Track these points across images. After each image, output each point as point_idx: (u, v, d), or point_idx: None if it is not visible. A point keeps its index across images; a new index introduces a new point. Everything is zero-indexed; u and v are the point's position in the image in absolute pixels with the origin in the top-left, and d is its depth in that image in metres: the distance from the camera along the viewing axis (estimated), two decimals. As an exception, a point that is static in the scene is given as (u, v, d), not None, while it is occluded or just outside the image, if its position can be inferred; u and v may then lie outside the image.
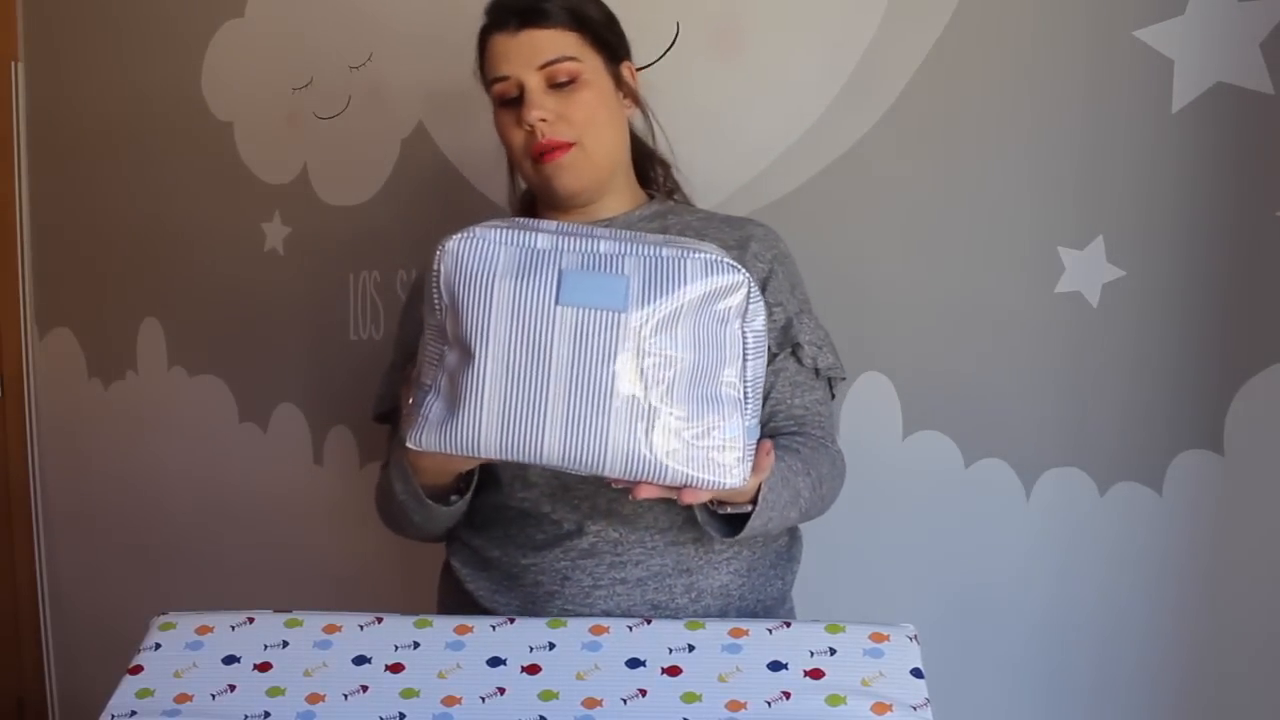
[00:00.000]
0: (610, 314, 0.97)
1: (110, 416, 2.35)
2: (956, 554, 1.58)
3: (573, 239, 1.01)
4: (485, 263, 0.99)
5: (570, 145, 1.21)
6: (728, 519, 1.15)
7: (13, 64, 2.38)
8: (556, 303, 0.96)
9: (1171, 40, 1.39)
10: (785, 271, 1.29)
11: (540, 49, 1.21)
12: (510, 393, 0.97)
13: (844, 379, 1.33)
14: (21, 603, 2.50)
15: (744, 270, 1.01)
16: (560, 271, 0.97)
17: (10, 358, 2.45)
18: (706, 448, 1.00)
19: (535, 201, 1.33)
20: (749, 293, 1.01)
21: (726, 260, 1.01)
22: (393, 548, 2.01)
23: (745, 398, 1.03)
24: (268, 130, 2.06)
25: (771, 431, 1.24)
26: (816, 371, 1.28)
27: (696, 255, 1.00)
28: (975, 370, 1.54)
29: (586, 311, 0.97)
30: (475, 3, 1.82)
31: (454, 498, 1.21)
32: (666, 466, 0.99)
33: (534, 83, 1.21)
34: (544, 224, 1.04)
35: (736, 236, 1.28)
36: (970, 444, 1.56)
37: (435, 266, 1.01)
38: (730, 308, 1.01)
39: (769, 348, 1.22)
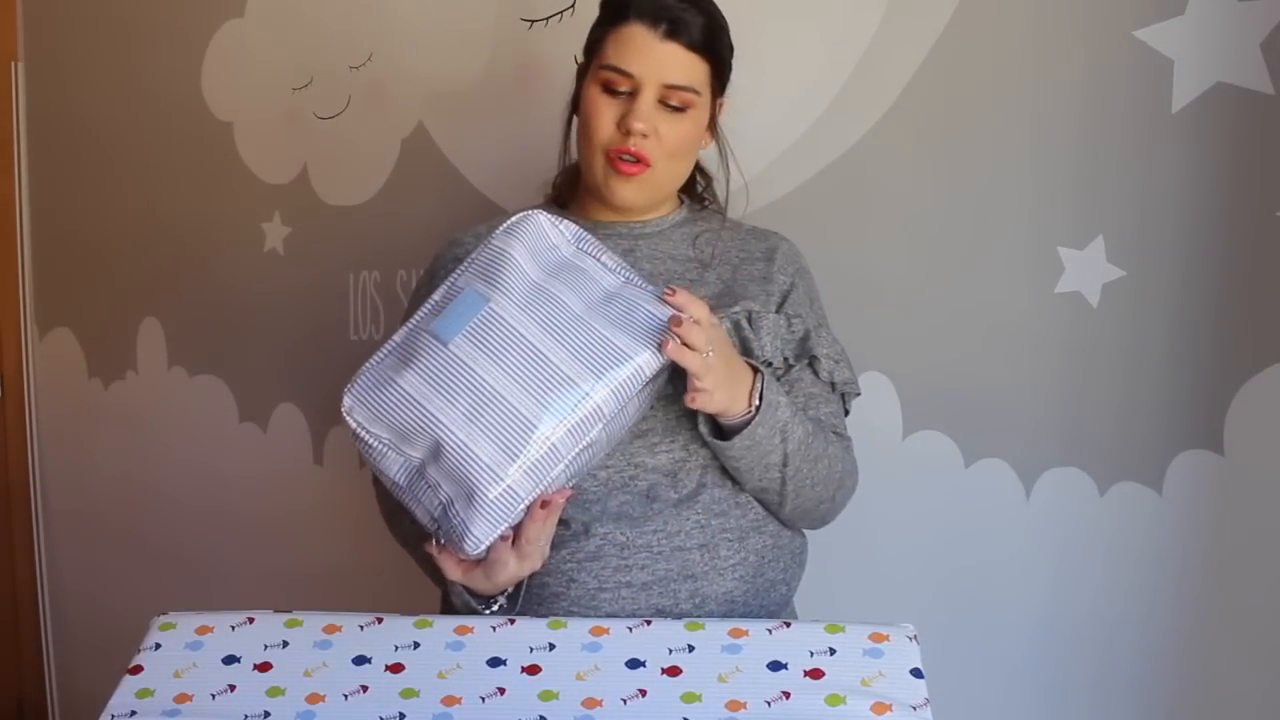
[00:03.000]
0: (482, 309, 1.09)
1: (110, 416, 2.35)
2: (956, 554, 1.58)
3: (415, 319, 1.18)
4: (381, 381, 1.15)
5: (648, 165, 1.22)
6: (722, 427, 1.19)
7: (13, 64, 2.38)
8: (445, 344, 1.09)
9: (1171, 40, 1.39)
10: (805, 286, 1.31)
11: (675, 68, 1.21)
12: (488, 430, 1.07)
13: (859, 395, 1.34)
14: (21, 603, 2.50)
15: (529, 210, 1.18)
16: (431, 333, 1.11)
17: (10, 358, 2.45)
18: (631, 328, 1.10)
19: (578, 180, 1.33)
20: (547, 217, 1.16)
21: (514, 212, 1.18)
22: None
23: (625, 278, 1.14)
24: (268, 130, 2.07)
25: None
26: (833, 386, 1.29)
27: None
28: (975, 370, 1.55)
29: (468, 327, 1.09)
30: (476, 3, 1.83)
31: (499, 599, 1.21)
32: (636, 359, 1.09)
33: (651, 94, 1.21)
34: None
35: (762, 248, 1.31)
36: (970, 444, 1.56)
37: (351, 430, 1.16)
38: (547, 237, 1.15)
39: (786, 358, 1.24)
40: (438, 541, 1.12)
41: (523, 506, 1.08)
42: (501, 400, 1.06)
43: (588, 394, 1.07)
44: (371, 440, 1.12)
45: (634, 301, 1.11)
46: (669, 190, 1.29)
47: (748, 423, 1.15)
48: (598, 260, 1.15)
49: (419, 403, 1.08)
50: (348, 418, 1.14)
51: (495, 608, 1.17)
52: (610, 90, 1.22)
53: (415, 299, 1.36)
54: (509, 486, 1.06)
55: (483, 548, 1.08)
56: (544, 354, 1.07)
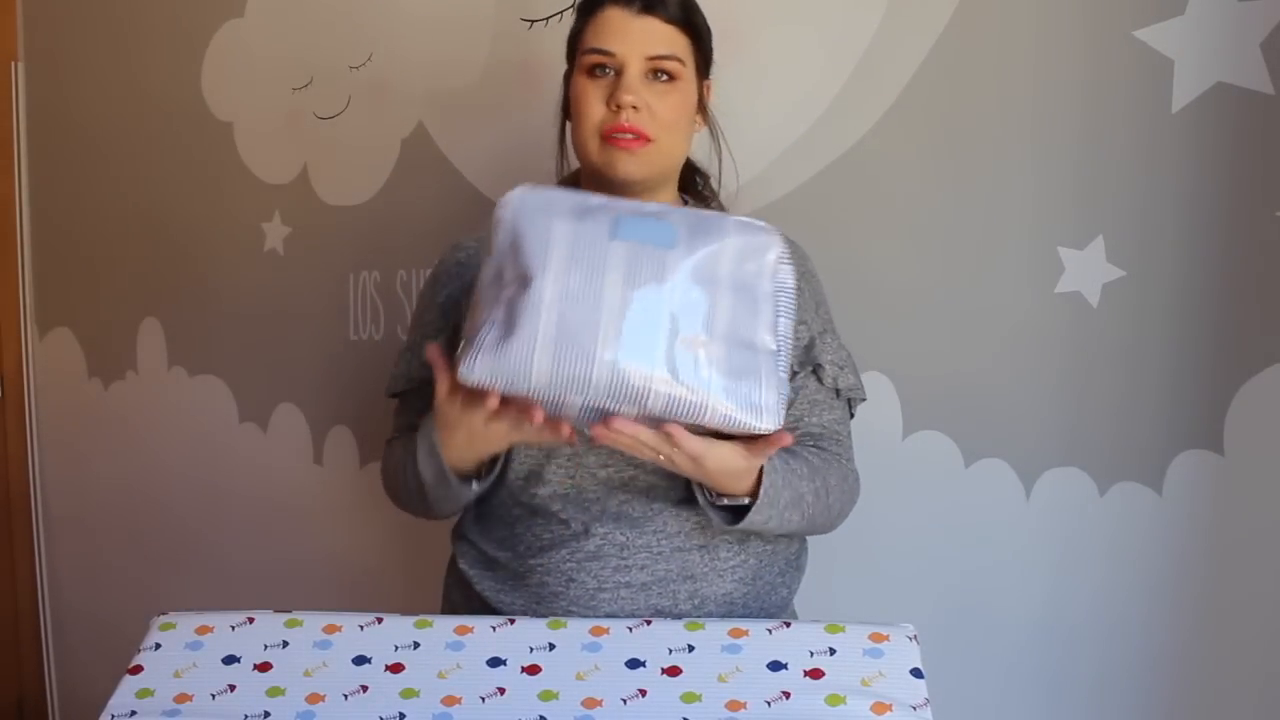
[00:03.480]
0: (659, 249, 1.03)
1: (110, 416, 2.35)
2: (956, 554, 1.58)
3: (622, 201, 1.10)
4: (547, 205, 1.06)
5: (649, 139, 1.22)
6: (731, 508, 1.16)
7: (13, 64, 2.38)
8: (611, 238, 1.04)
9: (1171, 40, 1.39)
10: (811, 290, 1.31)
11: (655, 39, 1.22)
12: (565, 317, 1.02)
13: (864, 400, 1.34)
14: (21, 603, 2.50)
15: (777, 230, 1.09)
16: (615, 215, 1.05)
17: (10, 358, 2.45)
18: (744, 390, 1.04)
19: (579, 184, 1.33)
20: (780, 253, 1.08)
21: (760, 223, 1.08)
22: (393, 547, 2.01)
23: (779, 350, 1.08)
24: (268, 130, 2.07)
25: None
26: (837, 392, 1.29)
27: (733, 218, 1.09)
28: (975, 370, 1.54)
29: (638, 246, 1.03)
30: (476, 3, 1.83)
31: (475, 484, 1.21)
32: (707, 405, 1.03)
33: (636, 69, 1.22)
34: (593, 194, 1.12)
35: None
36: (970, 444, 1.56)
37: (497, 214, 1.08)
38: (763, 265, 1.07)
39: (790, 365, 1.24)
40: (445, 358, 1.11)
41: (529, 387, 1.03)
42: (600, 312, 1.01)
43: (657, 379, 1.02)
44: (500, 229, 1.08)
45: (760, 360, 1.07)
46: (669, 166, 1.28)
47: (746, 506, 1.15)
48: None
49: (547, 245, 1.03)
50: (503, 210, 1.08)
51: (455, 482, 1.18)
52: (596, 74, 1.23)
53: (421, 305, 1.35)
54: (537, 362, 1.01)
55: (474, 378, 1.03)
56: (660, 323, 1.02)
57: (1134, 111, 1.42)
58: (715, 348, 1.03)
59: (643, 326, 1.01)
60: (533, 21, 1.77)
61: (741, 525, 1.14)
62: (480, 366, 1.03)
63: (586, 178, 1.30)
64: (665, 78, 1.22)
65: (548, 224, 1.04)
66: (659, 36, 1.22)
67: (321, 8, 1.98)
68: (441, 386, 1.11)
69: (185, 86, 2.14)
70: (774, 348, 1.07)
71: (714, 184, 1.40)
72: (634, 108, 1.21)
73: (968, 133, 1.52)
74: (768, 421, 1.04)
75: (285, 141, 2.04)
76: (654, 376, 1.01)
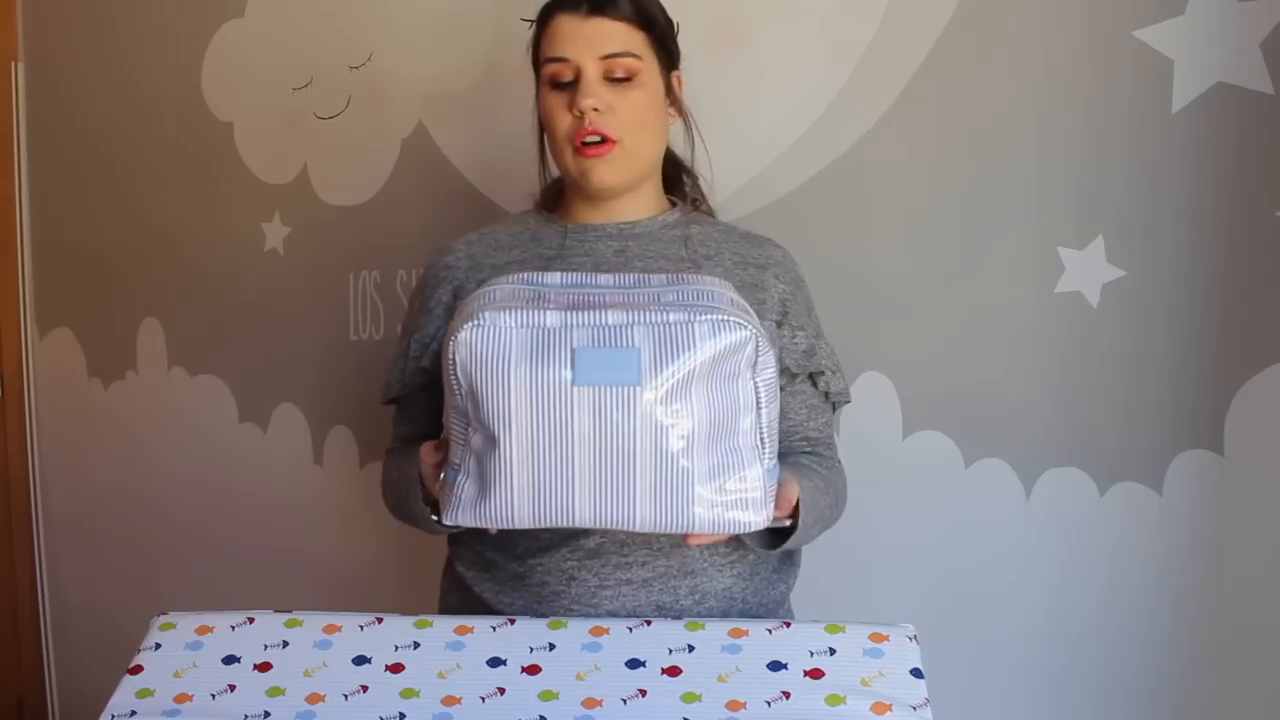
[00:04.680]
0: (625, 388, 1.00)
1: (110, 416, 2.35)
2: (956, 554, 1.58)
3: (581, 312, 1.02)
4: (499, 351, 1.01)
5: (614, 142, 1.22)
6: (766, 532, 1.19)
7: (13, 64, 2.38)
8: (573, 384, 1.00)
9: (1171, 40, 1.39)
10: (802, 296, 1.32)
11: (606, 39, 1.22)
12: (538, 471, 1.01)
13: (849, 403, 1.36)
14: (21, 603, 2.50)
15: (750, 322, 1.03)
16: (573, 351, 1.00)
17: (10, 358, 2.45)
18: (730, 495, 1.03)
19: (563, 190, 1.33)
20: (757, 345, 1.03)
21: (733, 318, 1.02)
22: (393, 547, 2.01)
23: (762, 443, 1.06)
24: (268, 130, 2.06)
25: (786, 450, 1.27)
26: (826, 395, 1.31)
27: (704, 317, 1.02)
28: (975, 370, 1.54)
29: (603, 389, 1.00)
30: (475, 3, 1.83)
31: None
32: (694, 517, 1.03)
33: (593, 71, 1.21)
34: (549, 280, 1.09)
35: (756, 255, 1.30)
36: (970, 444, 1.56)
37: (449, 355, 1.03)
38: (740, 362, 1.03)
39: (789, 368, 1.25)
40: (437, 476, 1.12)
41: (512, 527, 1.05)
42: (574, 467, 1.01)
43: (639, 512, 1.02)
44: (456, 371, 1.04)
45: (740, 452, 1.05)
46: (644, 166, 1.28)
47: (785, 531, 1.18)
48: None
49: (507, 402, 1.00)
50: (455, 352, 1.03)
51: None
52: (558, 85, 1.23)
53: (411, 310, 1.36)
54: (517, 515, 1.03)
55: (457, 523, 1.06)
56: (635, 464, 1.01)
57: (1134, 111, 1.42)
58: (696, 463, 1.01)
59: (619, 471, 1.01)
60: (532, 22, 1.76)
61: (781, 549, 1.20)
62: (463, 517, 1.05)
63: (567, 185, 1.31)
64: (624, 76, 1.22)
65: (504, 375, 1.00)
66: (610, 36, 1.22)
67: (321, 8, 1.98)
68: (425, 468, 1.16)
69: (185, 87, 2.14)
70: (758, 441, 1.06)
71: (703, 185, 1.40)
72: (595, 109, 1.21)
73: (968, 133, 1.52)
74: (756, 522, 1.05)
75: (285, 141, 2.04)
76: (636, 512, 1.02)
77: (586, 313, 1.02)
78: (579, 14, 1.22)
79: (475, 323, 1.02)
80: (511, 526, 1.05)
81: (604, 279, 1.09)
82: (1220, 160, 1.38)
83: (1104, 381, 1.47)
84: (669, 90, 1.29)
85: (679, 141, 1.37)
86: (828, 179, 1.61)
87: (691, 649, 1.08)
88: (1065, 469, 1.51)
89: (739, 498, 1.04)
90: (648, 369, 1.00)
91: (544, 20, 1.26)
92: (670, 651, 1.08)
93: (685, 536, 1.08)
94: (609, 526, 1.03)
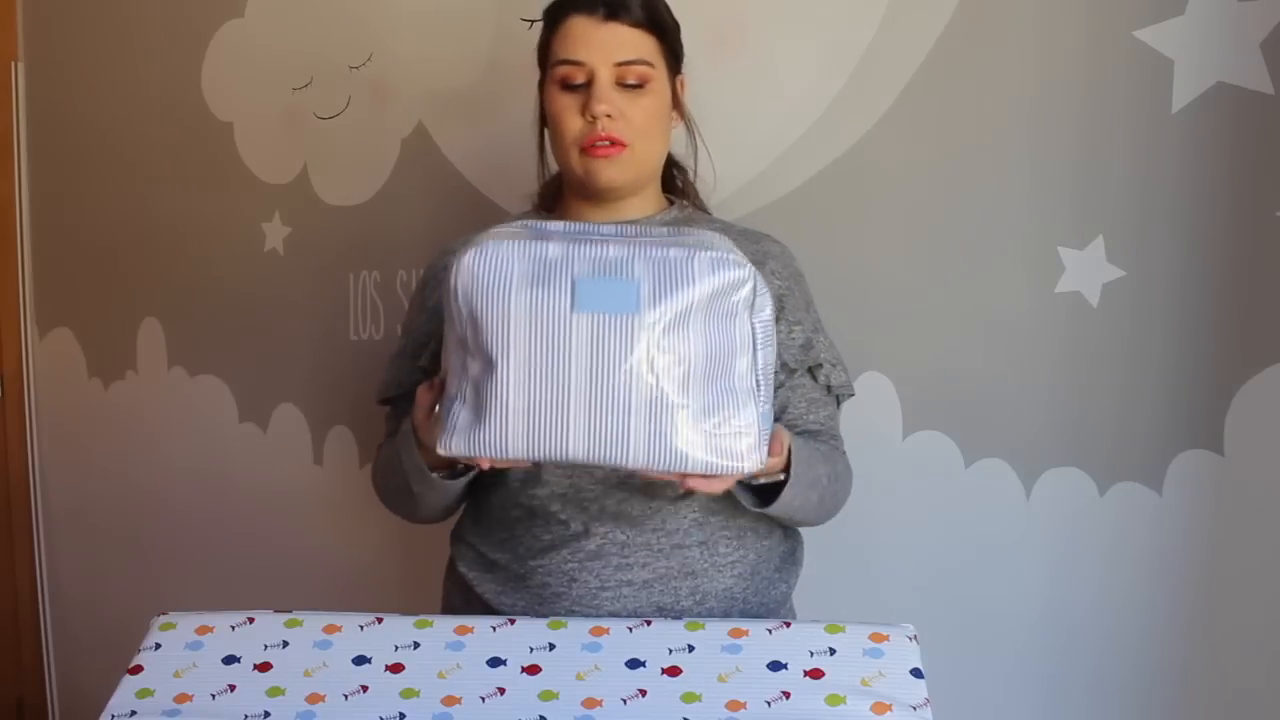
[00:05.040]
0: (624, 317, 1.00)
1: (110, 416, 2.35)
2: (956, 553, 1.58)
3: (582, 245, 1.03)
4: (500, 276, 1.02)
5: (625, 146, 1.23)
6: (757, 491, 1.19)
7: (13, 64, 2.38)
8: (572, 310, 1.00)
9: (1171, 40, 1.39)
10: (800, 290, 1.31)
11: (622, 45, 1.22)
12: (534, 398, 1.01)
13: (852, 395, 1.35)
14: (21, 603, 2.50)
15: (748, 264, 1.04)
16: (573, 280, 1.01)
17: (10, 358, 2.45)
18: (724, 435, 1.03)
19: (562, 189, 1.33)
20: (755, 285, 1.04)
21: (732, 256, 1.03)
22: (393, 547, 2.01)
23: (758, 386, 1.06)
24: (268, 130, 2.06)
25: None
26: (829, 388, 1.31)
27: (703, 253, 1.03)
28: (975, 370, 1.54)
29: (601, 316, 1.00)
30: (476, 3, 1.83)
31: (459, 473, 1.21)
32: (687, 456, 1.02)
33: (606, 76, 1.22)
34: (552, 227, 1.07)
35: (753, 251, 1.29)
36: (970, 444, 1.56)
37: (451, 282, 1.03)
38: (738, 301, 1.03)
39: (787, 363, 1.25)
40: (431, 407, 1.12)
41: (506, 458, 1.04)
42: (569, 394, 1.00)
43: (633, 448, 1.02)
44: (456, 299, 1.04)
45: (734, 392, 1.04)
46: (649, 169, 1.28)
47: (777, 485, 1.17)
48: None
49: (507, 325, 1.00)
50: (457, 277, 1.03)
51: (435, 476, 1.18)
52: (569, 86, 1.23)
53: (410, 311, 1.35)
54: (511, 444, 1.02)
55: (451, 453, 1.05)
56: (632, 395, 1.00)
57: (1134, 111, 1.42)
58: (691, 400, 1.01)
59: (614, 403, 1.00)
60: (533, 21, 1.76)
61: (774, 506, 1.17)
62: (456, 445, 1.04)
63: (568, 184, 1.31)
64: (636, 82, 1.23)
65: (504, 299, 1.01)
66: (625, 42, 1.22)
67: (321, 8, 1.98)
68: (419, 412, 1.15)
69: (185, 86, 2.14)
70: (753, 383, 1.05)
71: (690, 178, 1.40)
72: (608, 116, 1.21)
73: (968, 133, 1.52)
74: (749, 464, 1.04)
75: (285, 141, 2.04)
76: (629, 447, 1.01)
77: (587, 245, 1.03)
78: (595, 18, 1.22)
79: (477, 250, 1.02)
80: (505, 457, 1.03)
81: (606, 228, 1.08)
82: (1220, 160, 1.38)
83: (1104, 381, 1.47)
84: (674, 95, 1.30)
85: (679, 143, 1.37)
86: (828, 179, 1.61)
87: (691, 649, 1.08)
88: (1065, 469, 1.51)
89: (732, 439, 1.03)
90: (646, 300, 1.00)
91: (556, 19, 1.26)
92: (670, 651, 1.08)
93: (681, 481, 1.06)
94: (601, 462, 1.02)
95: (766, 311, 1.06)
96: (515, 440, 1.02)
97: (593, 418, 1.01)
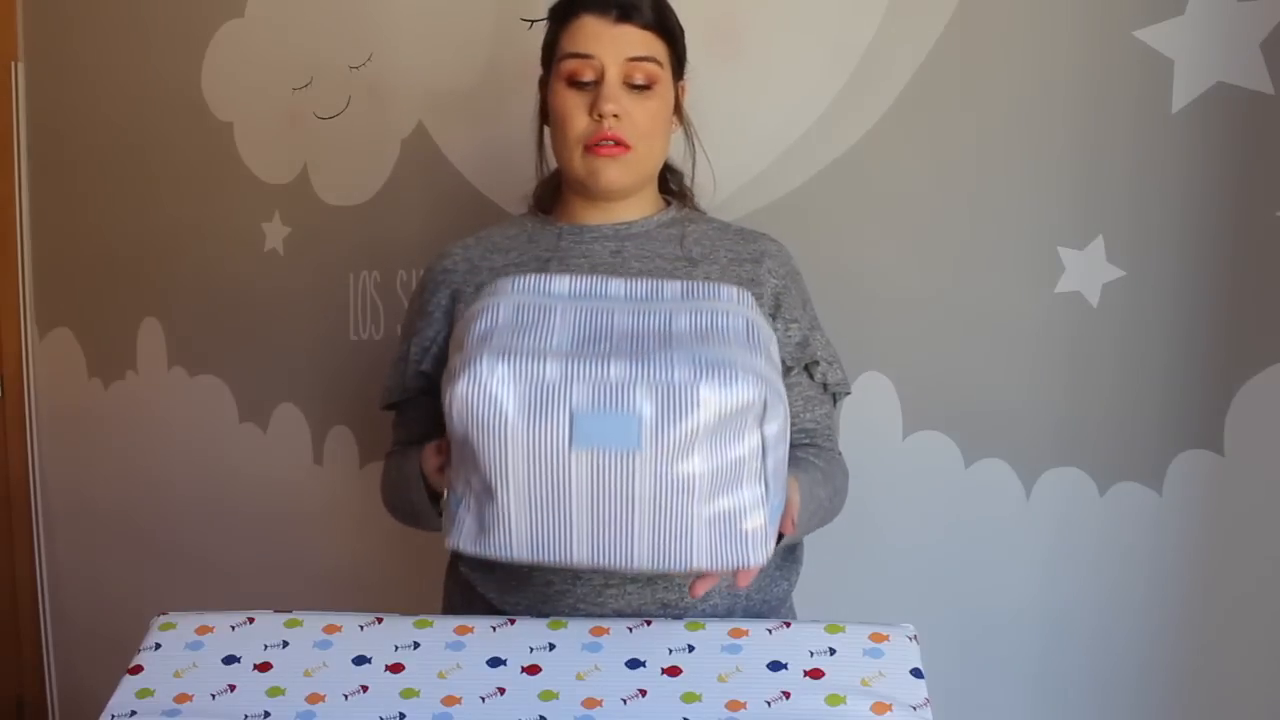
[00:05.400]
0: (625, 452, 0.96)
1: (110, 416, 2.35)
2: (956, 553, 1.58)
3: (582, 363, 0.97)
4: (495, 408, 0.97)
5: (629, 148, 1.23)
6: None
7: (13, 64, 2.38)
8: (571, 447, 0.96)
9: (1171, 40, 1.39)
10: (797, 289, 1.31)
11: (633, 44, 1.23)
12: (535, 523, 0.99)
13: (849, 394, 1.35)
14: (21, 602, 2.50)
15: (761, 380, 0.98)
16: (572, 412, 0.96)
17: (10, 358, 2.45)
18: (731, 538, 1.00)
19: (560, 187, 1.34)
20: (765, 401, 0.98)
21: (741, 374, 0.97)
22: (393, 548, 2.01)
23: (767, 488, 1.01)
24: (268, 130, 2.06)
25: None
26: (825, 386, 1.30)
27: (710, 379, 0.96)
28: (975, 370, 1.54)
29: (601, 453, 0.96)
30: (475, 3, 1.83)
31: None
32: (692, 559, 1.00)
33: (615, 74, 1.22)
34: (557, 292, 1.04)
35: (751, 250, 1.30)
36: (970, 444, 1.56)
37: (447, 406, 0.99)
38: (747, 418, 0.98)
39: (784, 361, 1.24)
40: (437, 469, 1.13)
41: (512, 560, 1.04)
42: (571, 527, 0.99)
43: (637, 559, 1.00)
44: (452, 421, 1.01)
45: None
46: (650, 171, 1.29)
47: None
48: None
49: (504, 458, 0.97)
50: (451, 405, 0.99)
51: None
52: (576, 83, 1.23)
53: (410, 315, 1.35)
54: (516, 556, 1.02)
55: (460, 551, 1.05)
56: (634, 521, 0.98)
57: (1134, 111, 1.42)
58: (696, 511, 0.98)
59: (616, 524, 0.98)
60: (533, 21, 1.77)
61: (779, 545, 1.16)
62: (463, 544, 1.03)
63: (567, 183, 1.31)
64: (644, 83, 1.23)
65: (499, 433, 0.96)
66: (637, 41, 1.23)
67: (321, 8, 1.98)
68: (428, 466, 1.16)
69: (185, 86, 2.14)
70: (762, 491, 1.00)
71: (687, 182, 1.40)
72: (615, 116, 1.21)
73: (968, 133, 1.52)
74: (755, 560, 1.01)
75: (285, 141, 2.04)
76: (633, 556, 0.99)
77: (587, 363, 0.97)
78: (608, 18, 1.22)
79: (471, 376, 0.97)
80: (511, 562, 1.03)
81: (615, 286, 1.05)
82: (1220, 160, 1.38)
83: (1104, 382, 1.47)
84: (675, 99, 1.30)
85: (679, 145, 1.37)
86: (828, 179, 1.61)
87: (691, 649, 1.08)
88: (1065, 469, 1.51)
89: (739, 541, 1.00)
90: (649, 432, 0.95)
91: (566, 17, 1.26)
92: (670, 651, 1.08)
93: (690, 586, 1.06)
94: (606, 567, 1.01)
95: (779, 420, 1.00)
96: (520, 551, 1.01)
97: (595, 537, 0.99)
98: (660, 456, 0.96)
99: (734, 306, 1.03)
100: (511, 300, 1.03)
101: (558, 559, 1.01)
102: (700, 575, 1.05)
